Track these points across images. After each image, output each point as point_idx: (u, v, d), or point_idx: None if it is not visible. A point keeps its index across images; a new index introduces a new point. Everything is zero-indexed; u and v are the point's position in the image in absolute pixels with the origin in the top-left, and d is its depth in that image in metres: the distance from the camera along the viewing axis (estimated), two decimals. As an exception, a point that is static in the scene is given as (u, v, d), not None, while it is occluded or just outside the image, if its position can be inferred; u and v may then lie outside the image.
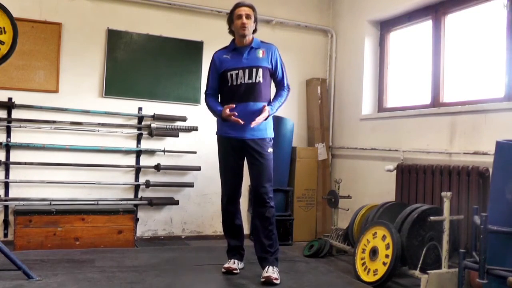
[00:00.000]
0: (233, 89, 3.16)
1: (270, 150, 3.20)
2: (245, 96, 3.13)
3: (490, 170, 2.96)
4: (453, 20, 4.09)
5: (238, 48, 3.21)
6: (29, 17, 4.22)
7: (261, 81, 3.15)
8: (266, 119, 3.11)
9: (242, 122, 3.02)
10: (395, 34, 4.79)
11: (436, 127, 3.93)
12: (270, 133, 3.23)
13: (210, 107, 3.27)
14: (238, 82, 3.15)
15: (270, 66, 3.20)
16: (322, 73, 5.42)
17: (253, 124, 3.03)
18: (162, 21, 4.73)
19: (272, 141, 3.25)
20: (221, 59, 3.22)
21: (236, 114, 3.03)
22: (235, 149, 3.20)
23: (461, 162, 3.58)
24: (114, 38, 4.53)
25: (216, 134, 3.30)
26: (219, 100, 3.30)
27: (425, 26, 4.33)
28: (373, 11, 4.78)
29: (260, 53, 3.19)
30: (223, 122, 3.18)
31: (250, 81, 3.13)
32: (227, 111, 3.05)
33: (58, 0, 4.36)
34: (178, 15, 4.80)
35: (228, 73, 3.17)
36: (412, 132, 4.17)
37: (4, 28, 2.93)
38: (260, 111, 3.09)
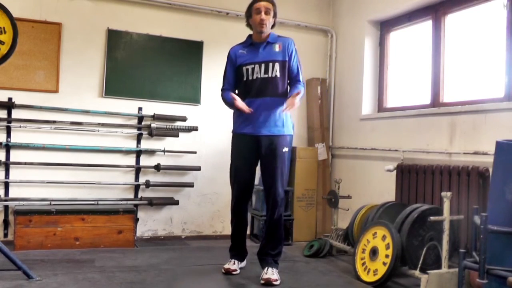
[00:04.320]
0: (249, 84, 3.10)
1: (286, 149, 3.10)
2: (262, 91, 3.06)
3: (490, 170, 2.96)
4: (453, 20, 4.09)
5: (254, 43, 3.14)
6: (29, 17, 4.22)
7: (278, 75, 3.08)
8: (293, 105, 2.95)
9: (249, 110, 2.97)
10: (395, 34, 4.79)
11: (436, 127, 3.93)
12: (287, 130, 3.13)
13: (224, 100, 3.19)
14: (254, 77, 3.08)
15: (286, 59, 3.12)
16: (322, 73, 5.42)
17: (287, 107, 2.94)
18: (162, 21, 4.73)
19: (290, 137, 3.15)
20: (237, 54, 3.16)
21: (245, 107, 2.99)
22: (249, 148, 3.11)
23: (461, 162, 3.58)
24: (114, 38, 4.53)
25: (232, 132, 3.22)
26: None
27: (425, 26, 4.33)
28: (373, 11, 4.78)
29: (277, 47, 3.11)
30: (238, 116, 3.14)
31: (266, 75, 3.07)
32: (237, 99, 3.00)
33: (58, 0, 4.36)
34: (178, 15, 4.80)
35: (244, 68, 3.11)
36: (412, 132, 4.17)
37: (4, 28, 2.93)
38: (277, 107, 3.07)
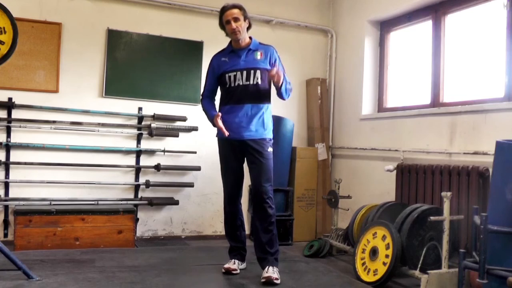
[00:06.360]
0: (231, 91, 3.17)
1: (270, 149, 3.19)
2: (243, 98, 3.14)
3: (490, 170, 2.96)
4: (453, 20, 4.09)
5: (235, 50, 3.21)
6: (29, 17, 4.22)
7: (259, 82, 3.15)
8: (280, 79, 3.00)
9: (227, 134, 3.07)
10: (395, 34, 4.79)
11: (436, 127, 3.93)
12: (269, 134, 3.22)
13: (204, 110, 3.31)
14: (236, 84, 3.15)
15: (269, 67, 3.18)
16: (322, 73, 5.42)
17: (274, 71, 2.98)
18: (162, 21, 4.73)
19: (272, 141, 3.24)
20: (220, 62, 3.23)
21: (224, 129, 3.07)
22: (235, 150, 3.20)
23: (461, 162, 3.58)
24: (114, 38, 4.53)
25: (216, 136, 3.30)
26: (219, 101, 3.30)
27: (425, 26, 4.33)
28: (373, 11, 4.78)
29: (258, 55, 3.19)
30: (221, 121, 3.20)
31: (248, 82, 3.14)
32: (218, 120, 3.09)
33: (58, 0, 4.36)
34: (178, 15, 4.80)
35: (227, 75, 3.17)
36: (412, 132, 4.17)
37: (4, 28, 2.93)
38: (259, 113, 3.15)
